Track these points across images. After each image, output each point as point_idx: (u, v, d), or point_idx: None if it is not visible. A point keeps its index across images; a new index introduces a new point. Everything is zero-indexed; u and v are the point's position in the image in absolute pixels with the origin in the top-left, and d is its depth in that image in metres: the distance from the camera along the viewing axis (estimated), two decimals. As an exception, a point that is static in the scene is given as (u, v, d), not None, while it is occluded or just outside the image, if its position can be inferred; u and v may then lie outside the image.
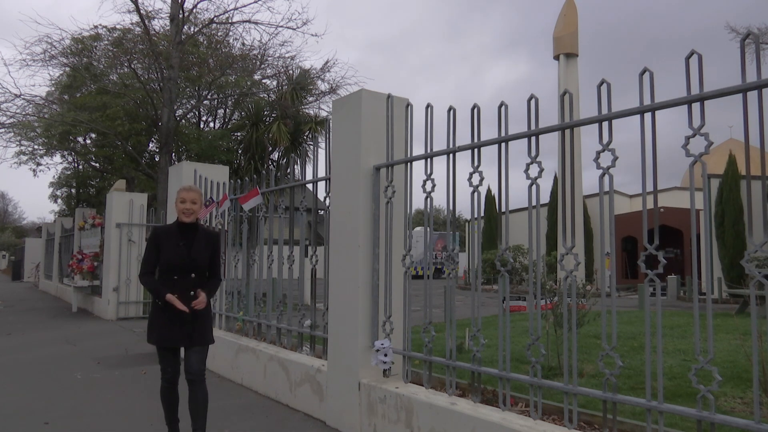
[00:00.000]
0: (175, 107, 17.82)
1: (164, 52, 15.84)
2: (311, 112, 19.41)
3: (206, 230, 3.86)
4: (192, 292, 3.64)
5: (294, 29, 16.49)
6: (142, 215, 12.41)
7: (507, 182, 3.37)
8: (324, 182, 5.02)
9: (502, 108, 3.38)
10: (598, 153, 2.89)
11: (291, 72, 18.93)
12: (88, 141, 22.63)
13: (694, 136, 2.55)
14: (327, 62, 18.93)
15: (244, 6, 18.33)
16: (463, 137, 3.63)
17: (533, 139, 3.22)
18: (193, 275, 3.67)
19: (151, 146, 22.03)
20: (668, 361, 6.11)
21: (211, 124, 22.43)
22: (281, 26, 16.70)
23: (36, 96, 17.43)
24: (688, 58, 2.56)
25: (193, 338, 3.68)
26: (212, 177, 7.25)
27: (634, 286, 20.53)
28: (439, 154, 3.78)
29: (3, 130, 18.22)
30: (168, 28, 16.87)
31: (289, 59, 18.54)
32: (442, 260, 28.72)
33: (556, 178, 23.09)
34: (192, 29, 17.77)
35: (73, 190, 28.37)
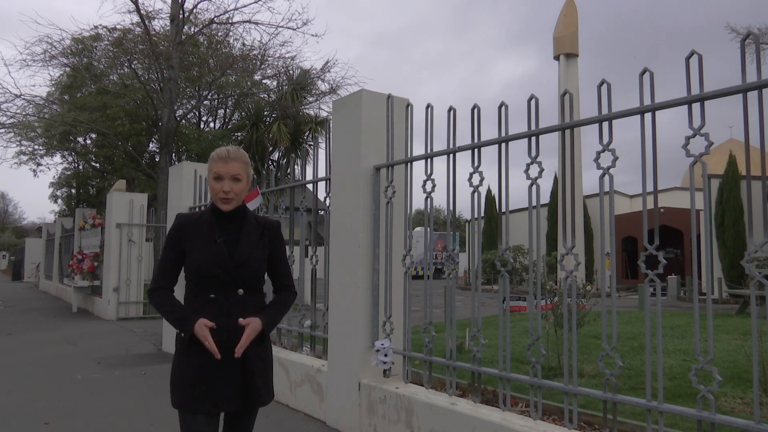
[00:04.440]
0: (176, 107, 17.82)
1: (164, 52, 15.86)
2: (311, 112, 19.46)
3: (260, 219, 2.43)
4: (240, 320, 2.22)
5: (294, 29, 16.55)
6: (143, 215, 12.41)
7: (507, 182, 3.37)
8: (324, 182, 5.02)
9: (503, 108, 3.39)
10: (599, 153, 2.89)
11: (291, 72, 18.96)
12: (88, 141, 22.67)
13: (694, 136, 2.55)
14: (327, 62, 18.98)
15: (244, 6, 18.44)
16: (465, 136, 3.64)
17: (533, 139, 3.22)
18: (240, 291, 2.25)
19: (151, 146, 22.08)
20: (668, 361, 6.11)
21: (212, 125, 22.46)
22: (281, 26, 16.76)
23: (36, 96, 17.49)
24: (688, 58, 2.56)
25: (249, 395, 2.24)
26: (212, 177, 7.23)
27: (635, 287, 20.53)
28: (439, 154, 3.78)
29: (3, 130, 18.26)
30: (168, 28, 16.89)
31: (289, 59, 18.59)
32: (442, 260, 28.73)
33: (556, 178, 23.11)
34: (192, 29, 17.79)
35: (73, 191, 28.43)
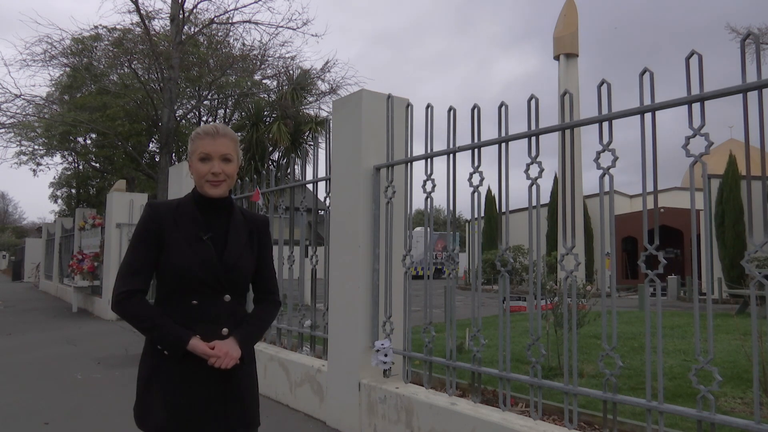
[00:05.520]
0: (176, 107, 17.83)
1: (164, 52, 15.86)
2: (311, 112, 19.45)
3: (246, 214, 2.09)
4: (225, 330, 1.91)
5: (294, 29, 16.55)
6: (143, 215, 12.42)
7: (507, 182, 3.37)
8: (324, 182, 5.02)
9: (503, 108, 3.39)
10: (599, 153, 2.89)
11: (291, 72, 18.96)
12: (89, 141, 22.70)
13: (694, 136, 2.55)
14: (327, 62, 18.98)
15: (245, 6, 18.45)
16: (466, 136, 3.63)
17: (533, 139, 3.22)
18: (227, 298, 1.92)
19: (152, 146, 22.11)
20: (668, 361, 6.11)
21: (212, 125, 22.41)
22: (281, 26, 16.75)
23: (36, 96, 17.49)
24: (688, 58, 2.56)
25: (230, 420, 1.91)
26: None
27: (635, 287, 20.53)
28: (439, 154, 3.78)
29: (3, 130, 18.26)
30: (168, 28, 16.90)
31: (289, 59, 18.59)
32: (442, 260, 28.72)
33: (556, 178, 23.10)
34: (192, 29, 17.80)
35: (74, 190, 28.45)
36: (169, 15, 16.43)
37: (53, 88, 20.20)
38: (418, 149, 3.91)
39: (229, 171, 1.93)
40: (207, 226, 1.92)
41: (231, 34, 18.52)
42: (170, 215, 1.90)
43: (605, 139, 2.89)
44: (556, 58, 21.68)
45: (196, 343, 1.82)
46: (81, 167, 26.40)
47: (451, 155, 3.70)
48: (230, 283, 1.92)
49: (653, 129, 2.72)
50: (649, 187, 2.71)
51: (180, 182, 7.67)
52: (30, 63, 16.42)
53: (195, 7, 16.73)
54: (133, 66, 17.16)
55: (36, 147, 21.44)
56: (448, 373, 3.66)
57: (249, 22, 16.74)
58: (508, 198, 3.36)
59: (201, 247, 1.88)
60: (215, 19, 16.95)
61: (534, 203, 3.21)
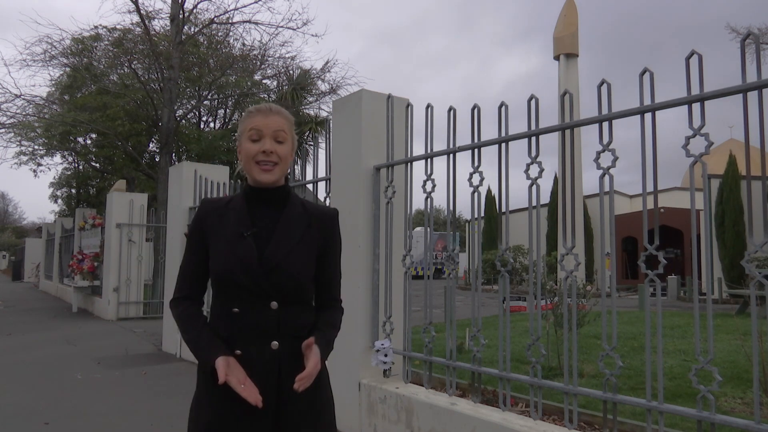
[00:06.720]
0: (176, 107, 17.83)
1: (164, 52, 15.86)
2: (311, 112, 19.47)
3: (309, 205, 1.85)
4: (275, 343, 1.63)
5: (294, 29, 16.55)
6: (142, 215, 12.42)
7: (507, 182, 3.37)
8: (324, 182, 5.02)
9: (503, 108, 3.39)
10: (599, 153, 2.88)
11: (291, 72, 18.98)
12: (89, 141, 22.69)
13: (694, 136, 2.55)
14: (327, 62, 19.00)
15: (245, 6, 18.47)
16: (466, 135, 3.63)
17: (533, 139, 3.22)
18: (274, 305, 1.64)
19: (152, 146, 22.11)
20: (668, 361, 6.11)
21: (212, 125, 22.48)
22: (281, 26, 16.75)
23: (36, 96, 17.48)
24: (688, 58, 2.56)
25: None
26: (212, 177, 7.25)
27: (635, 287, 20.52)
28: (439, 154, 3.78)
29: (3, 130, 18.26)
30: (168, 28, 16.89)
31: (289, 59, 18.61)
32: (442, 260, 28.71)
33: (556, 178, 23.11)
34: (192, 29, 17.80)
35: (74, 191, 28.46)
36: (169, 15, 16.42)
37: (53, 88, 20.22)
38: (418, 149, 3.91)
39: (283, 152, 1.71)
40: (253, 221, 1.69)
41: (231, 34, 18.55)
42: (217, 212, 1.71)
43: (605, 139, 2.89)
44: (556, 58, 21.69)
45: (217, 366, 1.55)
46: (81, 167, 26.41)
47: (451, 155, 3.70)
48: (275, 287, 1.63)
49: (653, 129, 2.72)
50: (649, 187, 2.71)
51: (180, 182, 7.67)
52: (30, 63, 16.44)
53: (195, 7, 16.73)
54: (133, 66, 17.16)
55: (36, 147, 21.46)
56: (448, 373, 3.66)
57: (249, 22, 16.75)
58: (508, 198, 3.36)
59: (241, 246, 1.64)
60: (215, 19, 16.95)
61: (534, 203, 3.21)
